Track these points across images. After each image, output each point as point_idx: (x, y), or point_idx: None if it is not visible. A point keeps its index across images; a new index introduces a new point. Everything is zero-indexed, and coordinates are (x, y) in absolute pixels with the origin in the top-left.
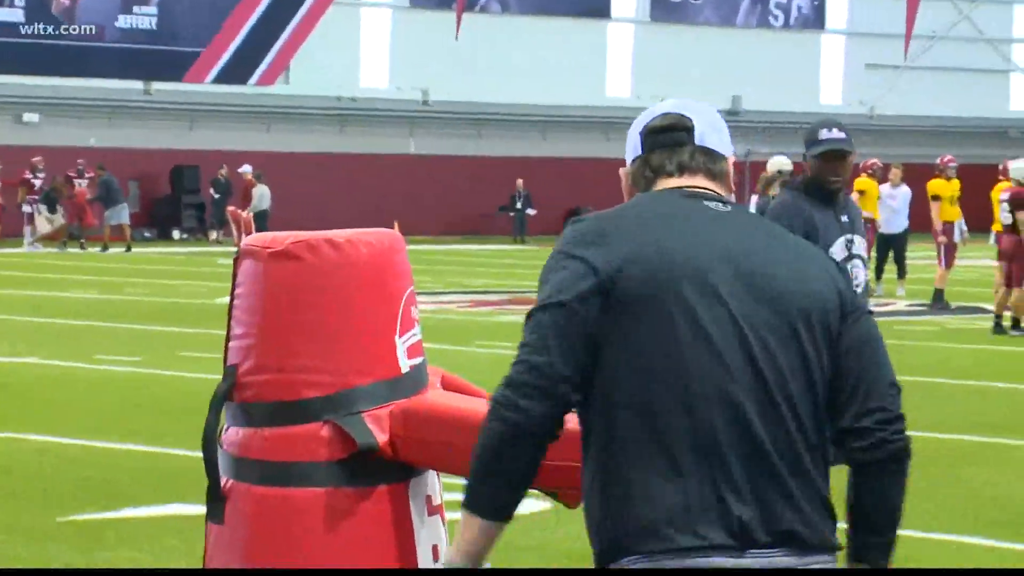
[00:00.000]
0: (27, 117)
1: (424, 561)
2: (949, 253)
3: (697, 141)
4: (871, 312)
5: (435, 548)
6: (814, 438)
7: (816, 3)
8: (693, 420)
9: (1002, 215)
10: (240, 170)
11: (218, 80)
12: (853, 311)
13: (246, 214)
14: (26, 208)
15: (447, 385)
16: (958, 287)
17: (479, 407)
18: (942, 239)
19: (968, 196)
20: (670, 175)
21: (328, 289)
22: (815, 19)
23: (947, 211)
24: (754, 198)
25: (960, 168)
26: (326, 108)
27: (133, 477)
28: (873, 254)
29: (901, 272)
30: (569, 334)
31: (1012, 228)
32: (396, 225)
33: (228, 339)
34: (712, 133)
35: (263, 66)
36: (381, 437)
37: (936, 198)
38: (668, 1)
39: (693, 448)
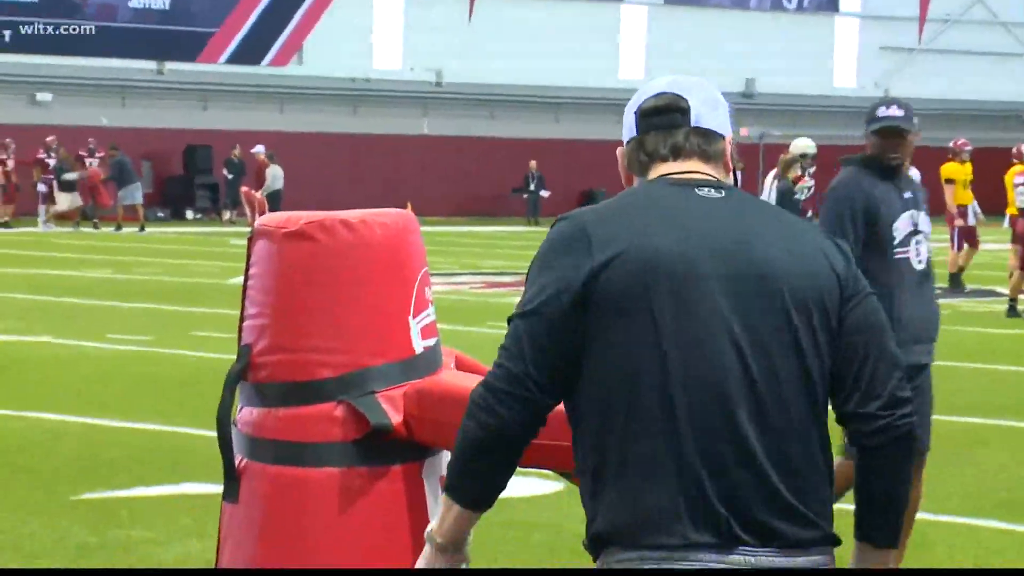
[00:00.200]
0: (40, 97)
1: None
2: (970, 235)
3: (693, 122)
4: (873, 293)
5: None
6: (808, 434)
7: None
8: (679, 420)
9: (1018, 199)
10: (253, 150)
11: (231, 60)
12: (854, 294)
13: (259, 195)
14: (41, 188)
15: (461, 366)
16: (972, 270)
17: None
18: (958, 222)
19: (981, 179)
20: (664, 159)
21: (342, 269)
22: (829, 2)
23: (960, 195)
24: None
25: (973, 151)
26: (339, 89)
27: (146, 456)
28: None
29: None
30: (546, 343)
31: None
32: (409, 206)
33: (242, 319)
34: (708, 112)
35: (276, 47)
36: (395, 417)
37: (950, 181)
38: None
39: (679, 447)
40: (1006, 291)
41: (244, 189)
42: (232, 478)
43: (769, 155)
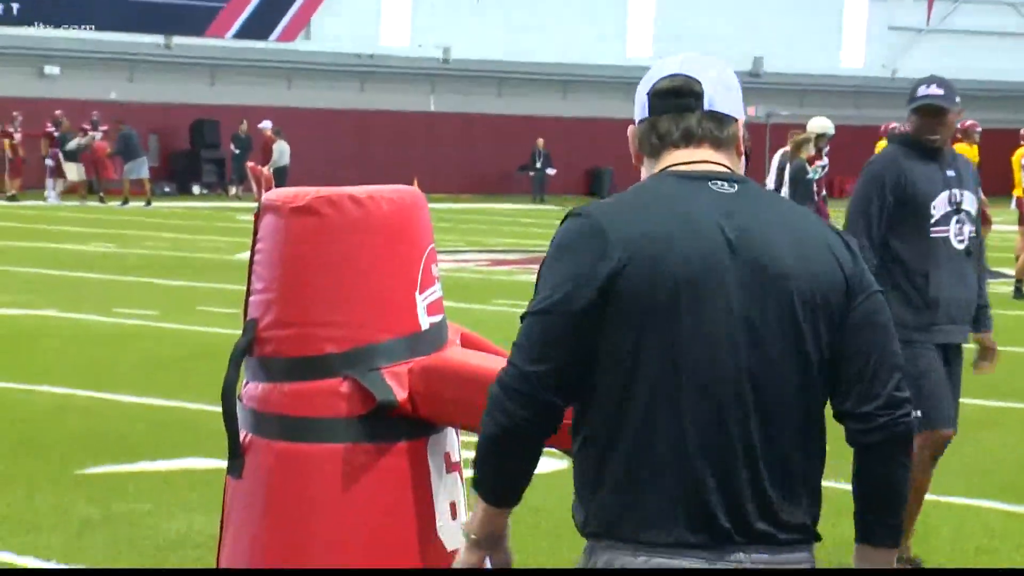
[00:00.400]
0: (48, 70)
1: (442, 518)
2: (981, 215)
3: (706, 106)
4: (880, 291)
5: (453, 505)
6: (807, 436)
7: None
8: (685, 421)
9: None
10: (260, 126)
11: (239, 35)
12: (860, 292)
13: (266, 170)
14: (48, 162)
15: (467, 342)
16: None
17: (498, 365)
18: None
19: (988, 160)
20: (676, 145)
21: (349, 245)
22: None
23: None
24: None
25: (981, 132)
26: (347, 65)
27: (151, 430)
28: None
29: None
30: (559, 342)
31: None
32: (415, 183)
33: (248, 294)
34: (721, 95)
35: (284, 22)
36: (400, 393)
37: None
38: None
39: (683, 448)
40: (1013, 272)
41: (250, 164)
42: (237, 453)
43: (775, 135)
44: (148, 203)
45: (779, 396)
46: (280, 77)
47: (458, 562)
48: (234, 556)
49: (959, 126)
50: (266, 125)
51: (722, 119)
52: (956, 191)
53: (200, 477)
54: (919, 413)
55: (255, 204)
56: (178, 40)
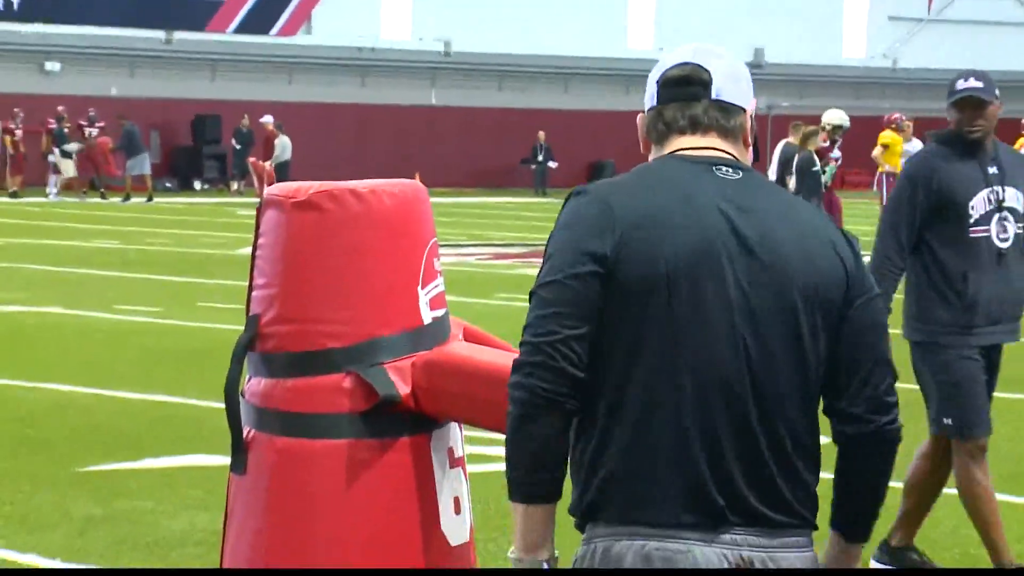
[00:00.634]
0: (49, 66)
1: (446, 514)
2: None
3: (713, 95)
4: (879, 295)
5: (456, 500)
6: (801, 424)
7: None
8: (685, 402)
9: None
10: (262, 120)
11: (240, 30)
12: (860, 293)
13: (269, 165)
14: (51, 158)
15: (469, 337)
16: None
17: (501, 359)
18: None
19: None
20: (682, 132)
21: (351, 240)
22: None
23: None
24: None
25: None
26: (348, 59)
27: (153, 427)
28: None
29: None
30: (570, 312)
31: None
32: (417, 176)
33: (250, 289)
34: (730, 85)
35: (285, 16)
36: (403, 388)
37: None
38: None
39: (683, 429)
40: None
41: (252, 159)
42: (240, 449)
43: (777, 126)
44: (150, 199)
45: (776, 382)
46: (281, 72)
47: None
48: (237, 553)
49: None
50: (268, 120)
51: (729, 109)
52: (998, 188)
53: (203, 474)
54: (950, 421)
55: (257, 199)
56: (179, 35)
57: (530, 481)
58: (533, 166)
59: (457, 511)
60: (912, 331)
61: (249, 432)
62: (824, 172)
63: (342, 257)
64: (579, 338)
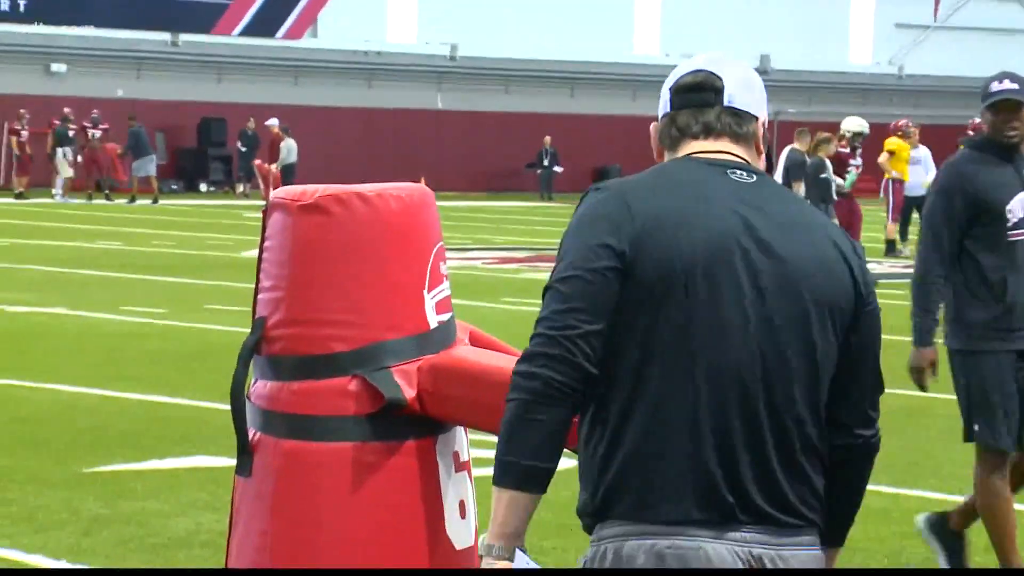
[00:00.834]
0: (55, 68)
1: (451, 518)
2: None
3: (726, 102)
4: (878, 307)
5: (462, 504)
6: (810, 427)
7: None
8: (699, 402)
9: None
10: (267, 123)
11: (246, 33)
12: (866, 303)
13: (274, 168)
14: (56, 159)
15: (475, 341)
16: None
17: (507, 363)
18: None
19: None
20: (695, 136)
21: (357, 243)
22: None
23: None
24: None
25: None
26: (354, 62)
27: (159, 429)
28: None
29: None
30: (585, 308)
31: None
32: (423, 180)
33: (257, 292)
34: (743, 93)
35: (291, 19)
36: (409, 392)
37: None
38: None
39: (696, 428)
40: None
41: (257, 162)
42: (245, 452)
43: (783, 132)
44: (155, 201)
45: (787, 384)
46: (287, 75)
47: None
48: (242, 555)
49: (971, 123)
50: (273, 123)
51: (742, 115)
52: None
53: (208, 475)
54: (978, 427)
55: (262, 202)
56: (185, 38)
57: (526, 468)
58: (539, 170)
59: (462, 515)
60: (952, 338)
61: (254, 434)
62: (844, 178)
63: (348, 260)
64: (596, 334)
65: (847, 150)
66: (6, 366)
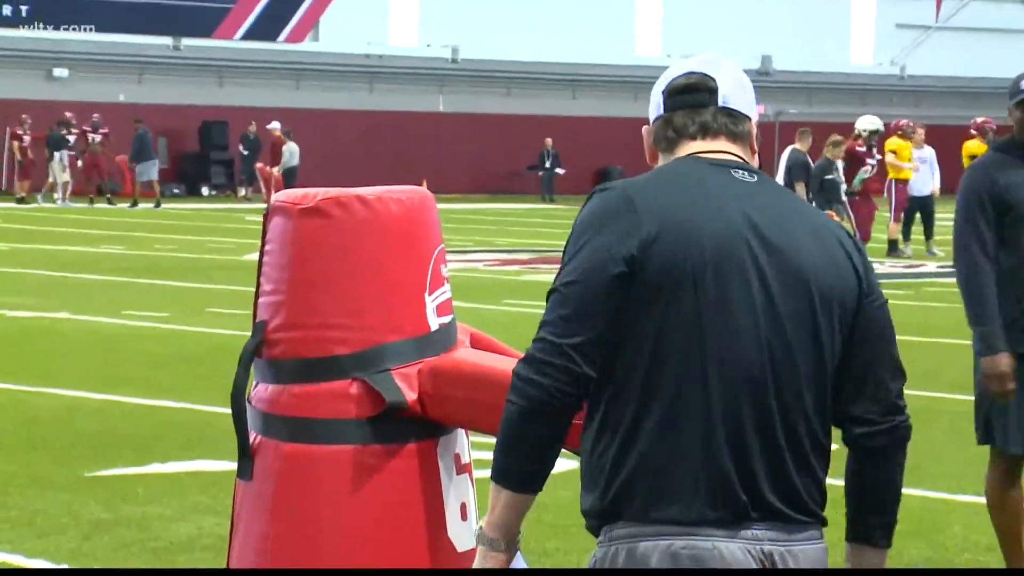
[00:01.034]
0: (57, 72)
1: (452, 520)
2: None
3: (720, 102)
4: (886, 301)
5: (463, 506)
6: (817, 424)
7: None
8: (711, 401)
9: None
10: (269, 127)
11: (247, 36)
12: (871, 298)
13: (276, 172)
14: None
15: (476, 343)
16: None
17: (508, 365)
18: None
19: None
20: (692, 137)
21: (358, 246)
22: None
23: None
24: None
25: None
26: (355, 65)
27: (160, 432)
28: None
29: (928, 233)
30: (591, 313)
31: None
32: (424, 183)
33: (257, 295)
34: (736, 93)
35: (292, 22)
36: (410, 395)
37: (974, 158)
38: None
39: (709, 428)
40: None
41: (259, 165)
42: (246, 455)
43: (785, 132)
44: (157, 205)
45: (796, 381)
46: (288, 78)
47: (476, 566)
48: (243, 558)
49: (973, 123)
50: (275, 126)
51: (736, 116)
52: None
53: (210, 479)
54: (993, 430)
55: (264, 205)
56: (187, 42)
57: (527, 472)
58: (540, 173)
59: (464, 517)
60: (976, 339)
61: (256, 438)
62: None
63: (349, 263)
64: (600, 340)
65: (863, 148)
66: (8, 370)
